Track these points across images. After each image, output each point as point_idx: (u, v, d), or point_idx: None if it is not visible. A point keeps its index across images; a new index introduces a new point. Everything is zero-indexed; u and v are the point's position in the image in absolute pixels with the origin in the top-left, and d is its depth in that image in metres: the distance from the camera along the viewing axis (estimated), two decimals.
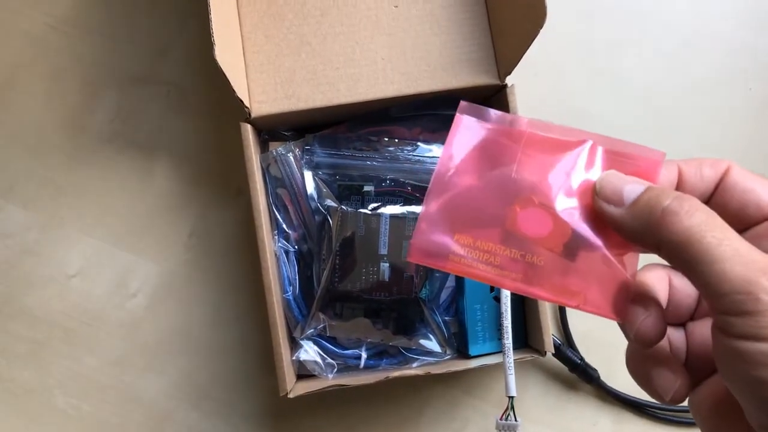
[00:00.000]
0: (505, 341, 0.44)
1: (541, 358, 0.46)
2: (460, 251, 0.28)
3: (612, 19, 0.54)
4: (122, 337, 0.51)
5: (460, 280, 0.47)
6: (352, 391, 0.45)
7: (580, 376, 0.49)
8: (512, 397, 0.44)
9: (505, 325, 0.44)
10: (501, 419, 0.44)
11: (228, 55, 0.41)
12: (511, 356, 0.43)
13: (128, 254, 0.52)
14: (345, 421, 0.51)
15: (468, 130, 0.29)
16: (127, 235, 0.52)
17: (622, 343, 0.27)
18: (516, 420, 0.44)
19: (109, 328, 0.51)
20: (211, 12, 0.38)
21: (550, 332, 0.44)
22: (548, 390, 0.51)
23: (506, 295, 0.44)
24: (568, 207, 0.27)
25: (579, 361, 0.49)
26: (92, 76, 0.53)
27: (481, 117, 0.29)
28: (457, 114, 0.29)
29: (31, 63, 0.53)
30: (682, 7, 0.55)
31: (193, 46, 0.53)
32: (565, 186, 0.27)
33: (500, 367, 0.44)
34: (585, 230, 0.27)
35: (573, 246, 0.27)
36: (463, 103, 0.29)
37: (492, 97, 0.48)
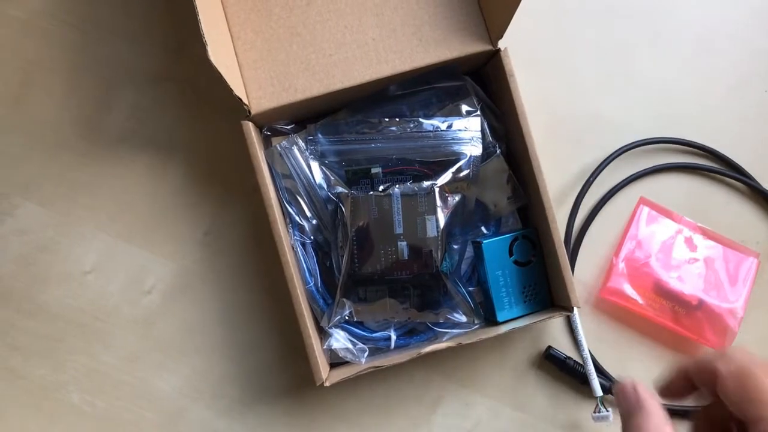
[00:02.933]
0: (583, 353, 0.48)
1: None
2: (638, 298, 0.51)
3: (625, 21, 0.54)
4: (137, 334, 0.52)
5: (478, 249, 0.47)
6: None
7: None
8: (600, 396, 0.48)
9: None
10: (594, 413, 0.49)
11: (221, 55, 0.41)
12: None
13: (143, 251, 0.52)
14: (352, 420, 0.51)
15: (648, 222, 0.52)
16: (142, 232, 0.52)
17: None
18: (607, 411, 0.48)
19: (124, 324, 0.52)
20: (199, 14, 0.38)
21: (575, 289, 0.44)
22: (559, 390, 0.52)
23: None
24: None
25: (582, 372, 0.50)
26: (108, 74, 0.53)
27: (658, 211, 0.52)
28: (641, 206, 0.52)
29: (48, 61, 0.53)
30: (696, 10, 0.54)
31: None
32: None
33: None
34: (707, 298, 0.50)
35: (699, 304, 0.50)
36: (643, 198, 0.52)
37: (487, 63, 0.48)
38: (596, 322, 0.52)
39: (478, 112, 0.48)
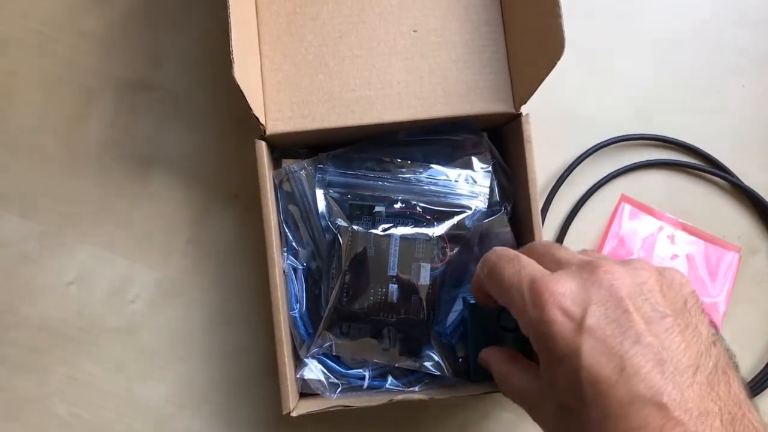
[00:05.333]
0: None
1: None
2: None
3: (601, 20, 0.55)
4: (121, 344, 0.51)
5: (467, 306, 0.47)
6: (356, 408, 0.45)
7: None
8: None
9: None
10: None
11: (246, 73, 0.41)
12: None
13: (126, 261, 0.52)
14: (346, 429, 0.51)
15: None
16: (125, 241, 0.52)
17: None
18: None
19: (108, 334, 0.51)
20: (232, 30, 0.38)
21: None
22: None
23: None
24: None
25: None
26: (87, 83, 0.53)
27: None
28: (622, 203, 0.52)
29: (26, 72, 0.53)
30: (672, 6, 0.55)
31: (188, 53, 0.53)
32: None
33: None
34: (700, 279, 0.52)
35: None
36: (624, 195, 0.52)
37: (506, 125, 0.48)
38: None
39: (490, 169, 0.48)
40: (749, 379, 0.51)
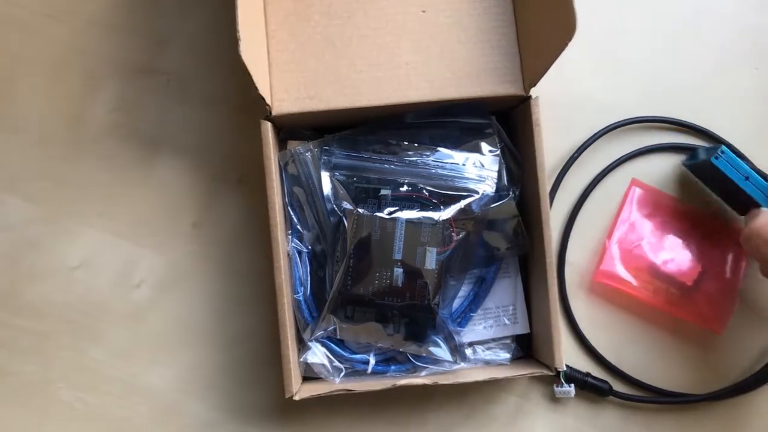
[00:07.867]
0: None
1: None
2: (632, 280, 0.50)
3: (613, 3, 0.54)
4: (127, 329, 0.51)
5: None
6: (360, 393, 0.44)
7: (591, 392, 0.49)
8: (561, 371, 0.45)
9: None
10: (557, 387, 0.49)
11: (252, 52, 0.41)
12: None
13: (131, 245, 0.52)
14: (351, 416, 0.51)
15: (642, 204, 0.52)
16: (130, 226, 0.52)
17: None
18: (569, 386, 0.48)
19: (113, 319, 0.51)
20: (238, 9, 0.38)
21: (562, 348, 0.44)
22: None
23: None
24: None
25: (586, 379, 0.49)
26: (92, 67, 0.53)
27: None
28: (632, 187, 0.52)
29: (31, 55, 0.53)
30: None
31: (193, 36, 0.53)
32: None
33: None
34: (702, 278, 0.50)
35: (694, 284, 0.50)
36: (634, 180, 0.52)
37: (515, 107, 0.47)
38: (590, 306, 0.51)
39: (498, 153, 0.47)
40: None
